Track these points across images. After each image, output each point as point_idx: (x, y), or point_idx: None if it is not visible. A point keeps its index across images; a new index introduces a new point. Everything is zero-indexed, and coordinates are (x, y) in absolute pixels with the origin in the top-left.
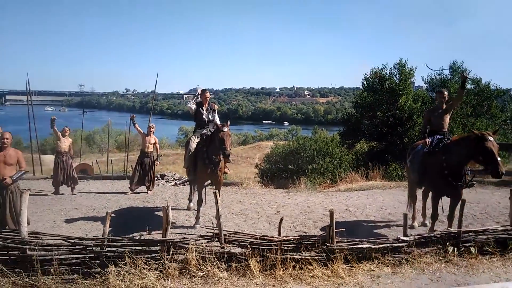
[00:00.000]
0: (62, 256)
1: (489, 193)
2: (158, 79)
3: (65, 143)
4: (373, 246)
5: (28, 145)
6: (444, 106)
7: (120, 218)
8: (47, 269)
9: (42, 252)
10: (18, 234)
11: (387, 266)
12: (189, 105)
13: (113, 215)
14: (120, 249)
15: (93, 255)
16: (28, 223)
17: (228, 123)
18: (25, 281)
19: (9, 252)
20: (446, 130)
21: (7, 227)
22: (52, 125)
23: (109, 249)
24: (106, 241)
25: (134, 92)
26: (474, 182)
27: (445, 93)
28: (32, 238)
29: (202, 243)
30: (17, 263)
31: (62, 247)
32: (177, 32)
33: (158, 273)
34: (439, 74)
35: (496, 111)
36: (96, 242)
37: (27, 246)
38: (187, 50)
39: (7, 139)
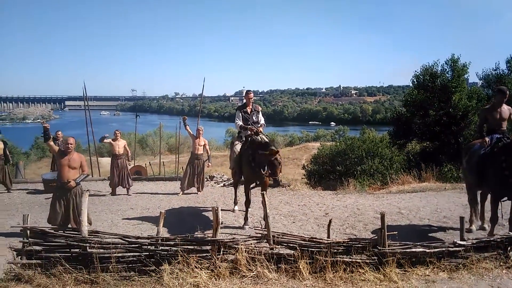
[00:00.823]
0: (119, 254)
1: None
2: (205, 83)
3: (119, 145)
4: (427, 250)
5: (86, 148)
6: (504, 106)
7: (173, 217)
8: (105, 266)
9: (101, 250)
10: (79, 233)
11: (443, 271)
12: (236, 122)
13: (166, 215)
14: (173, 248)
15: (148, 253)
16: (90, 223)
17: (280, 148)
18: (85, 277)
19: (71, 250)
20: (505, 129)
21: (69, 226)
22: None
23: (163, 247)
24: (160, 240)
25: (183, 96)
26: None
27: (507, 93)
28: (92, 236)
29: (251, 243)
30: (78, 260)
31: (119, 245)
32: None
33: (209, 272)
34: (495, 70)
35: None
36: (150, 241)
37: (87, 244)
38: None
39: (71, 144)
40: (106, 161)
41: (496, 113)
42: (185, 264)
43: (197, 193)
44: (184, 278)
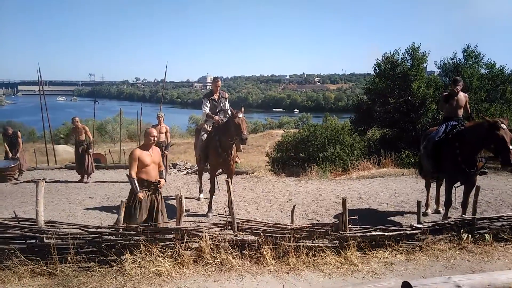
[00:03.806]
0: (79, 245)
1: (503, 180)
2: (167, 68)
3: (81, 131)
4: (386, 234)
5: (41, 135)
6: (460, 93)
7: None
8: (64, 257)
9: (59, 241)
10: (35, 224)
11: (401, 253)
12: (203, 110)
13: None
14: (135, 237)
15: (108, 243)
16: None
17: (243, 109)
18: (43, 269)
19: (27, 241)
20: (461, 116)
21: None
22: None
23: (124, 237)
24: (121, 229)
25: (144, 81)
26: (487, 170)
27: (460, 83)
28: (49, 227)
29: (215, 231)
30: (35, 251)
31: (78, 235)
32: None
33: (173, 261)
34: (453, 59)
35: (511, 96)
36: (111, 230)
37: (44, 235)
38: (197, 38)
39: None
40: (62, 149)
41: (453, 101)
42: (147, 253)
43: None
44: (146, 267)
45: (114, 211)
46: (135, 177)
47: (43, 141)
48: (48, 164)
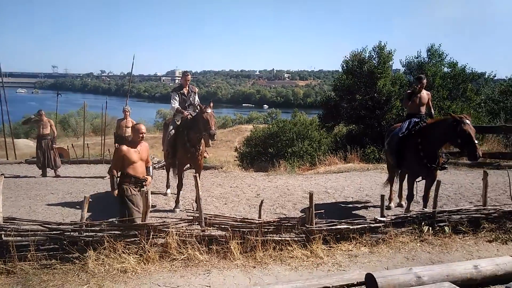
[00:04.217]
0: (39, 242)
1: (463, 175)
2: (134, 61)
3: (44, 125)
4: (351, 227)
5: (0, 129)
6: (423, 91)
7: (98, 202)
8: (24, 255)
9: (18, 238)
10: None
11: (365, 246)
12: (172, 105)
13: (90, 199)
14: (99, 234)
15: (71, 240)
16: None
17: (211, 104)
18: (1, 267)
19: None
20: (423, 113)
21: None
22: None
23: (87, 233)
24: (84, 225)
25: (110, 74)
26: (446, 166)
27: (424, 80)
28: (8, 224)
29: (182, 226)
30: None
31: (39, 232)
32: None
33: (138, 257)
34: (417, 57)
35: (471, 94)
36: (74, 227)
37: (3, 232)
38: (165, 31)
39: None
40: (23, 143)
41: (416, 98)
42: (111, 249)
43: None
44: (110, 264)
45: (77, 207)
46: (116, 175)
47: (2, 135)
48: (8, 159)
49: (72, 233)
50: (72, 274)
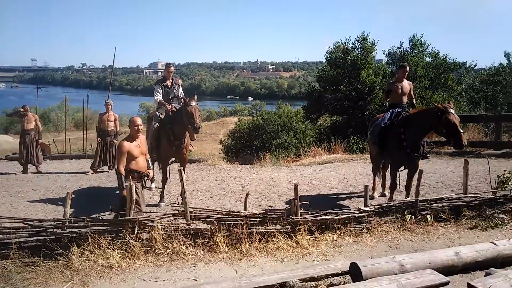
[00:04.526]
0: (21, 239)
1: (444, 164)
2: (116, 53)
3: (29, 120)
4: (335, 217)
5: None
6: (405, 81)
7: (81, 198)
8: (5, 253)
9: (0, 236)
10: None
11: (349, 235)
12: (155, 97)
13: (73, 195)
14: (83, 230)
15: (54, 236)
16: None
17: (195, 97)
18: None
19: None
20: (405, 103)
21: None
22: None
23: (71, 230)
24: (67, 222)
25: (91, 67)
26: (428, 155)
27: (407, 68)
28: None
29: (167, 220)
30: None
31: (21, 229)
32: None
33: (123, 252)
34: (400, 48)
35: (453, 84)
36: (57, 223)
37: None
38: (147, 22)
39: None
40: (3, 139)
41: (398, 88)
42: (96, 245)
43: (108, 171)
44: (95, 260)
45: (59, 203)
46: (123, 173)
47: None
48: None
49: (55, 230)
50: (55, 271)
